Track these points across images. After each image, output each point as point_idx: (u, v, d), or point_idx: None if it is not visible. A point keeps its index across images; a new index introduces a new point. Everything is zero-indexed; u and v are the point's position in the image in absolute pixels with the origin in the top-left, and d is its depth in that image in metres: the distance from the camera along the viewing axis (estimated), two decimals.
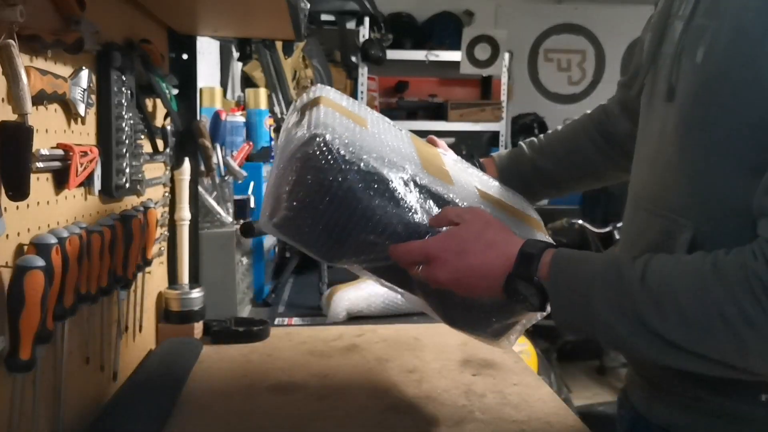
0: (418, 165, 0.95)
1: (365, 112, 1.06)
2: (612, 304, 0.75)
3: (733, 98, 0.74)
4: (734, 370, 0.73)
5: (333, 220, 0.88)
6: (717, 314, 0.70)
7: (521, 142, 1.25)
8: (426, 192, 0.92)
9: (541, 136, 1.25)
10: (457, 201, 0.94)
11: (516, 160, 1.22)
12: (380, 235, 0.89)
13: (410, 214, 0.89)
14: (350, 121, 0.94)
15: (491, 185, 1.13)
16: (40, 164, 0.81)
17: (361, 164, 0.87)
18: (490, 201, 1.04)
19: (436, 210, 0.91)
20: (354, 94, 4.29)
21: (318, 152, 0.85)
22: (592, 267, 0.79)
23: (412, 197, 0.90)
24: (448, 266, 0.84)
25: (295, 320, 1.62)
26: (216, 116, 1.59)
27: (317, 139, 0.85)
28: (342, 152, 0.85)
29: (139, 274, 1.17)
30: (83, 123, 0.96)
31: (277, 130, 2.33)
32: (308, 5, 1.32)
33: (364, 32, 4.17)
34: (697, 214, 0.79)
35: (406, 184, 0.90)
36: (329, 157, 0.85)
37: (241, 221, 1.63)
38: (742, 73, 0.73)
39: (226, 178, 1.60)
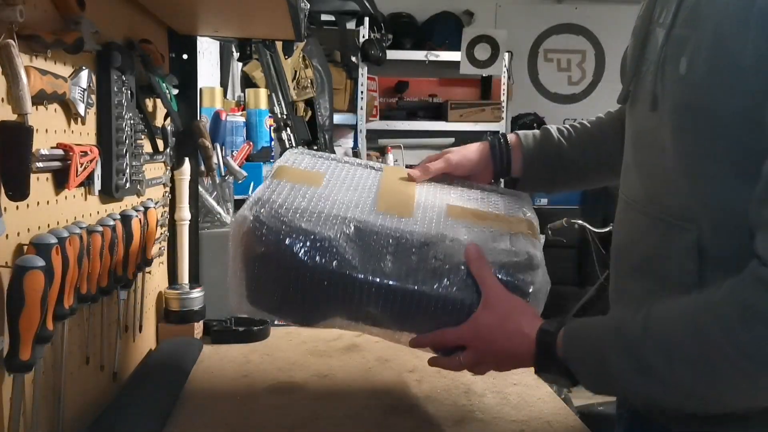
0: (367, 207, 0.95)
1: (328, 166, 1.07)
2: (626, 367, 0.78)
3: (718, 106, 0.75)
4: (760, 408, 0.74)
5: (292, 286, 0.91)
6: (719, 355, 0.71)
7: (549, 126, 1.21)
8: (369, 233, 0.91)
9: (569, 125, 1.22)
10: (410, 230, 0.93)
11: (542, 143, 1.19)
12: (339, 294, 0.90)
13: (353, 262, 0.89)
14: (299, 186, 0.97)
15: (473, 196, 1.10)
16: (40, 164, 0.80)
17: (293, 229, 0.89)
18: (461, 216, 1.00)
19: (387, 250, 0.91)
20: (354, 94, 4.28)
21: (252, 229, 0.89)
22: (599, 334, 0.82)
23: (351, 245, 0.89)
24: (485, 354, 0.92)
25: None
26: (216, 116, 1.58)
27: (247, 219, 0.89)
28: (269, 224, 0.88)
29: (139, 274, 1.17)
30: (83, 123, 0.96)
31: (277, 130, 2.33)
32: (308, 5, 1.32)
33: (364, 32, 4.16)
34: (698, 218, 0.79)
35: (342, 234, 0.90)
36: (262, 231, 0.89)
37: None
38: (724, 82, 0.74)
39: (226, 178, 1.60)
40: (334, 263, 0.88)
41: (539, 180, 1.18)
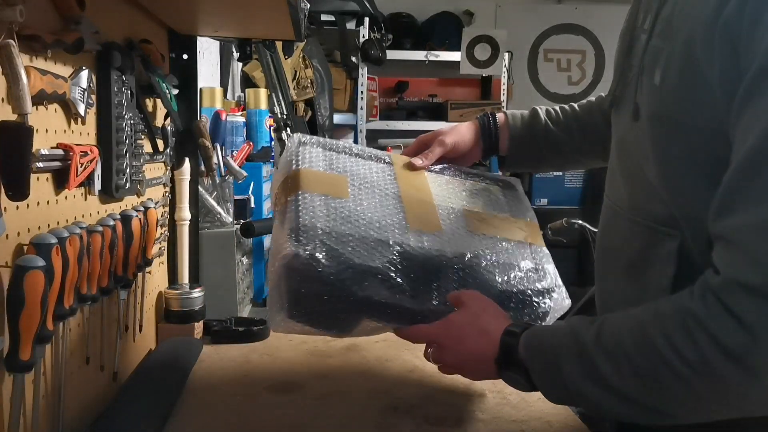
0: (402, 226, 1.00)
1: (343, 163, 1.10)
2: (578, 372, 0.78)
3: (688, 118, 0.76)
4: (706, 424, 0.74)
5: (335, 312, 0.96)
6: (661, 362, 0.71)
7: (538, 107, 1.24)
8: (414, 260, 0.97)
9: (559, 107, 1.24)
10: (447, 252, 1.00)
11: (530, 124, 1.22)
12: (382, 317, 0.97)
13: (404, 293, 0.96)
14: (330, 200, 0.99)
15: (475, 190, 1.16)
16: (40, 164, 0.81)
17: (346, 267, 0.92)
18: (481, 227, 1.08)
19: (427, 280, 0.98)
20: (354, 94, 4.28)
21: (304, 268, 0.91)
22: (556, 339, 0.82)
23: (401, 276, 0.95)
24: (450, 352, 0.94)
25: None
26: (216, 116, 1.58)
27: (301, 256, 0.91)
28: (325, 263, 0.91)
29: (140, 274, 1.17)
30: (83, 123, 0.96)
31: (277, 130, 2.33)
32: (308, 5, 1.32)
33: (364, 32, 4.16)
34: (681, 224, 0.80)
35: (392, 264, 0.95)
36: (314, 269, 0.91)
37: (241, 221, 1.63)
38: (693, 93, 0.75)
39: (226, 178, 1.60)
40: (383, 293, 0.95)
41: (525, 159, 1.23)
